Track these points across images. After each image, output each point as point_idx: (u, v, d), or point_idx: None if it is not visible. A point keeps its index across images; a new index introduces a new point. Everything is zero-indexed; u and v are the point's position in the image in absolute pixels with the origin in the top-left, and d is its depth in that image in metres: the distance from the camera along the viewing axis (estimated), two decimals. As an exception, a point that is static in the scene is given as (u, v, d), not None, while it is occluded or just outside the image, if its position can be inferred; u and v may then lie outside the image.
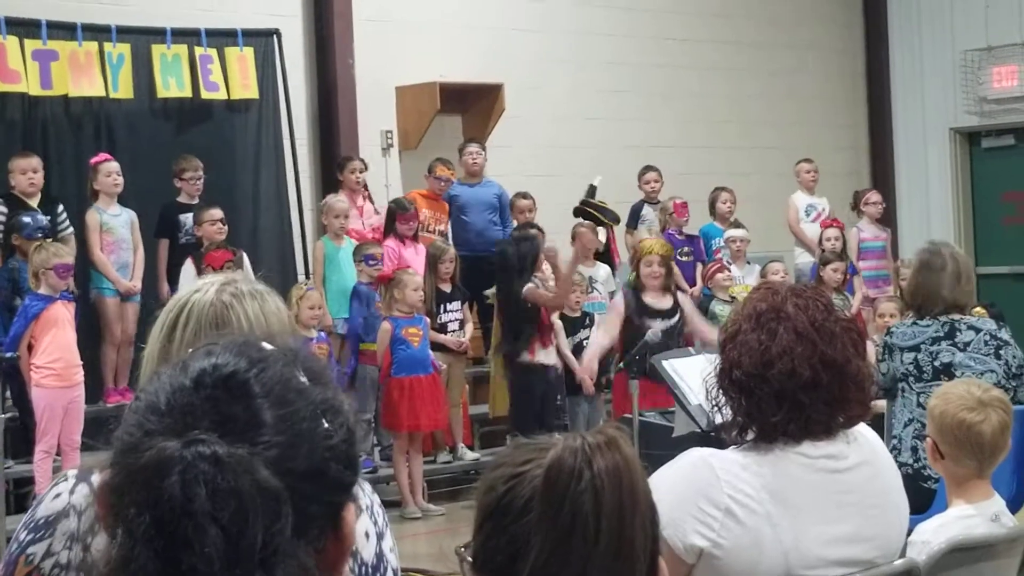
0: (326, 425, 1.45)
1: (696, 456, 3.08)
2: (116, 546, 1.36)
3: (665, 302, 9.89)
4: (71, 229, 10.21)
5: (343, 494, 1.47)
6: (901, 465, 5.28)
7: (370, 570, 2.30)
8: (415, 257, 11.26)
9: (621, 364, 8.79)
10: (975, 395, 3.94)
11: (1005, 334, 6.12)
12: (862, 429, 3.20)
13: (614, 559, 1.86)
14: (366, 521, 2.32)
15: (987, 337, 6.05)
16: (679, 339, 9.61)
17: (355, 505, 1.49)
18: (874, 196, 13.85)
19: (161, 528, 1.33)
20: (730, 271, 11.91)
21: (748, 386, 3.07)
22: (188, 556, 1.32)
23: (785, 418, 3.05)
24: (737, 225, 13.05)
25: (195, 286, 2.53)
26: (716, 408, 3.16)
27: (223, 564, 1.33)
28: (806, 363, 3.05)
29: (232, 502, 1.33)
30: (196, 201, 10.87)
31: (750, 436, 3.11)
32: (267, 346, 1.49)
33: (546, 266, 10.67)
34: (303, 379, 1.47)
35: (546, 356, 10.45)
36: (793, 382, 3.05)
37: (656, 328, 9.00)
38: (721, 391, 3.14)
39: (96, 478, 2.32)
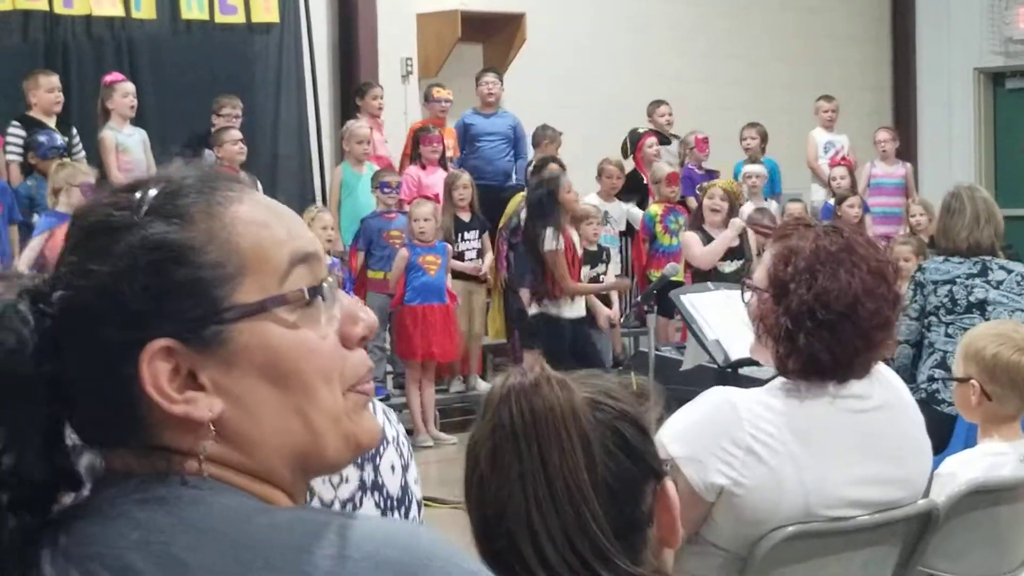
0: None
1: (719, 396, 3.06)
2: None
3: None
4: (83, 153, 10.14)
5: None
6: (915, 390, 5.37)
7: (395, 502, 2.31)
8: (439, 184, 11.13)
9: (639, 298, 8.76)
10: None
11: None
12: (882, 369, 3.18)
13: (552, 502, 1.88)
14: (392, 453, 2.33)
15: (1018, 278, 6.25)
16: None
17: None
18: (881, 134, 13.80)
19: None
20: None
21: (831, 324, 3.00)
22: None
23: (851, 356, 3.02)
24: (758, 161, 12.99)
25: None
26: (760, 340, 3.11)
27: None
28: (884, 302, 3.05)
29: None
30: None
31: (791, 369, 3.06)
32: None
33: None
34: None
35: (571, 309, 9.87)
36: (875, 321, 3.03)
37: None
38: (786, 327, 3.04)
39: None
